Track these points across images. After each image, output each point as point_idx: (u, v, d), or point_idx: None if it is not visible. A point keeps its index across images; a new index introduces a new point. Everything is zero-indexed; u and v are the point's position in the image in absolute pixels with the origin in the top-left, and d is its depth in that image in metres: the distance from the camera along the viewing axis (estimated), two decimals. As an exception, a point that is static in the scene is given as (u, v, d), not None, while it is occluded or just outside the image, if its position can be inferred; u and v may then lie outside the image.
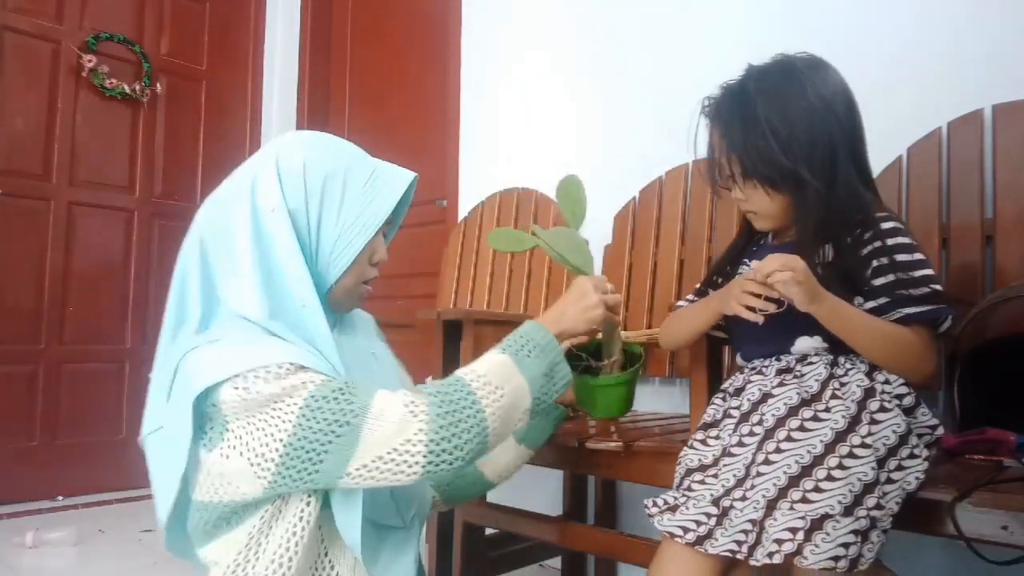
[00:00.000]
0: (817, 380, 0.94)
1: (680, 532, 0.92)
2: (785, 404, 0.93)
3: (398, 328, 2.39)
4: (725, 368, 1.27)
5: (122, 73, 2.96)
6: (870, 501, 0.82)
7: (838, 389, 0.93)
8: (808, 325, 0.95)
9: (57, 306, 2.79)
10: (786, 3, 1.74)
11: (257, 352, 0.84)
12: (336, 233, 0.95)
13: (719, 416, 1.03)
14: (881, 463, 0.85)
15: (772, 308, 0.93)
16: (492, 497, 1.58)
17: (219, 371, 0.82)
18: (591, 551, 1.66)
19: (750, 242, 1.15)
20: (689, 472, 0.99)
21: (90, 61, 2.84)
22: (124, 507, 2.68)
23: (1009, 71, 1.38)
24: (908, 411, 0.93)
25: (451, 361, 1.54)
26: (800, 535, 0.80)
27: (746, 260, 1.13)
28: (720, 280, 1.15)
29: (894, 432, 0.88)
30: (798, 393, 0.94)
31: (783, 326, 0.96)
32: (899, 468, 0.87)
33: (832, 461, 0.83)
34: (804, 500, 0.82)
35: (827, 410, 0.90)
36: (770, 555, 0.81)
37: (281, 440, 0.82)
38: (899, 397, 0.94)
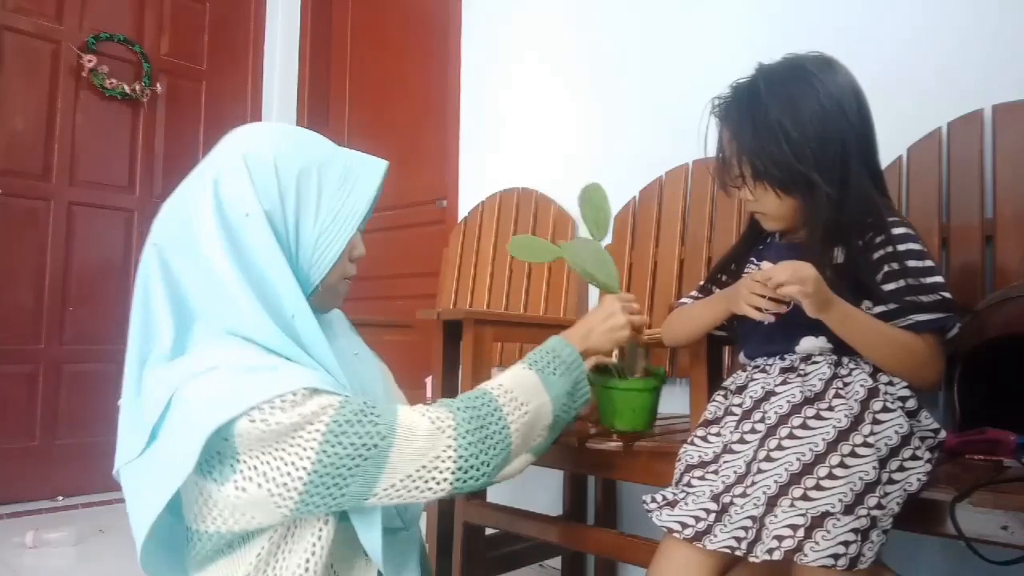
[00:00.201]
0: (821, 379, 0.94)
1: (679, 527, 0.92)
2: (788, 402, 0.93)
3: (398, 328, 2.40)
4: (725, 367, 1.27)
5: (122, 73, 2.96)
6: (871, 500, 0.82)
7: (841, 388, 0.92)
8: (813, 325, 0.95)
9: (57, 306, 2.80)
10: (786, 3, 1.74)
11: (269, 381, 0.79)
12: (316, 232, 0.89)
13: (720, 413, 1.03)
14: (883, 463, 0.85)
15: (780, 309, 0.93)
16: (492, 497, 1.59)
17: (233, 406, 0.76)
18: (591, 551, 1.66)
19: (757, 240, 1.14)
20: (689, 468, 0.98)
21: (90, 61, 2.84)
22: (124, 507, 2.68)
23: (1009, 71, 1.38)
24: (911, 414, 0.93)
25: (451, 361, 1.54)
26: (801, 532, 0.80)
27: (753, 259, 1.13)
28: (725, 278, 1.15)
29: (896, 432, 0.87)
30: (801, 391, 0.93)
31: (788, 325, 0.96)
32: (901, 469, 0.87)
33: (834, 459, 0.83)
34: (805, 497, 0.82)
35: (830, 409, 0.90)
36: (770, 552, 0.81)
37: (304, 469, 0.78)
38: (902, 399, 0.93)
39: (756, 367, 1.05)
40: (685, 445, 1.03)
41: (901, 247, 0.96)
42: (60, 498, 2.73)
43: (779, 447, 0.88)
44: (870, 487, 0.82)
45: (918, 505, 0.87)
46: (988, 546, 0.83)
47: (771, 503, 0.84)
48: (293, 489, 0.79)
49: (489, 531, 1.56)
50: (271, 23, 3.46)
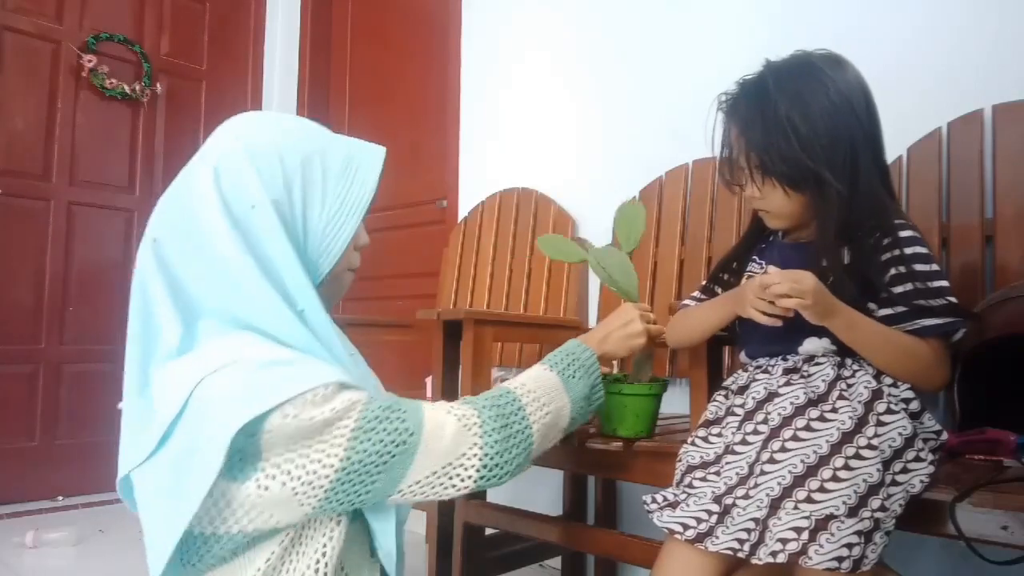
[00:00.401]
0: (824, 381, 0.94)
1: (680, 529, 0.92)
2: (792, 404, 0.93)
3: (398, 328, 2.40)
4: (725, 367, 1.27)
5: (122, 73, 2.95)
6: (874, 503, 0.82)
7: (845, 390, 0.92)
8: (816, 326, 0.94)
9: (57, 306, 2.79)
10: (786, 3, 1.74)
11: (297, 375, 0.77)
12: (325, 219, 0.86)
13: (721, 413, 1.03)
14: (886, 465, 0.85)
15: (786, 314, 0.92)
16: (492, 497, 1.59)
17: (263, 400, 0.73)
18: (591, 551, 1.66)
19: (759, 238, 1.13)
20: (690, 469, 0.98)
21: (90, 61, 2.84)
22: (124, 507, 2.67)
23: (1009, 71, 1.38)
24: (915, 415, 0.93)
25: (451, 361, 1.54)
26: (805, 535, 0.80)
27: (755, 257, 1.12)
28: (727, 277, 1.14)
29: (900, 434, 0.87)
30: (805, 393, 0.93)
31: (791, 326, 0.95)
32: (904, 470, 0.87)
33: (838, 462, 0.83)
34: (809, 500, 0.82)
35: (834, 411, 0.89)
36: (773, 554, 0.81)
37: (332, 467, 0.77)
38: (906, 401, 0.93)
39: (758, 367, 1.04)
40: (686, 445, 1.03)
41: (908, 250, 0.96)
42: (60, 498, 2.73)
43: (783, 449, 0.88)
44: (874, 489, 0.82)
45: (919, 505, 0.87)
46: (988, 546, 0.84)
47: (774, 505, 0.84)
48: (319, 487, 0.77)
49: (489, 531, 1.56)
50: (271, 23, 3.45)
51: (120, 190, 2.99)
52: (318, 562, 0.81)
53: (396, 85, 2.98)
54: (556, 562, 1.96)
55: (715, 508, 0.91)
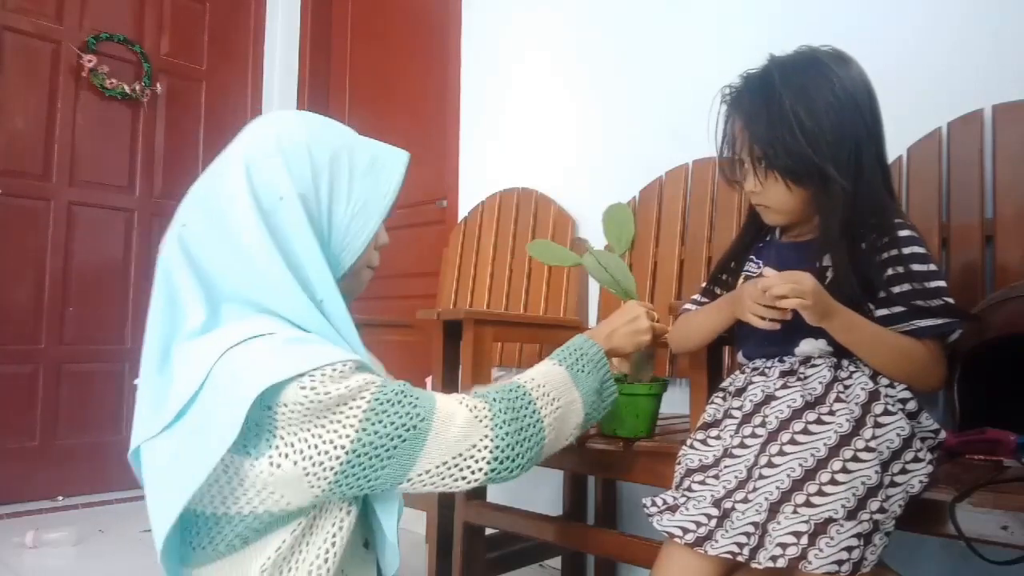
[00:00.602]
0: (821, 383, 0.94)
1: (679, 532, 0.91)
2: (789, 406, 0.93)
3: (398, 328, 2.40)
4: (725, 367, 1.27)
5: (122, 73, 2.95)
6: (873, 505, 0.82)
7: (842, 392, 0.92)
8: (813, 328, 0.94)
9: (57, 306, 2.79)
10: (786, 4, 1.74)
11: (316, 351, 0.78)
12: (349, 215, 0.88)
13: (719, 416, 1.02)
14: (885, 466, 0.85)
15: (784, 317, 0.92)
16: (492, 497, 1.58)
17: (282, 370, 0.74)
18: (591, 551, 1.66)
19: (756, 237, 1.13)
20: (689, 472, 0.98)
21: (90, 61, 2.84)
22: (124, 507, 2.68)
23: (1009, 71, 1.38)
24: (912, 415, 0.93)
25: (451, 361, 1.54)
26: (804, 539, 0.80)
27: (752, 257, 1.12)
28: (726, 277, 1.14)
29: (898, 435, 0.87)
30: (802, 395, 0.93)
31: (787, 327, 0.95)
32: (903, 471, 0.87)
33: (836, 465, 0.83)
34: (808, 504, 0.82)
35: (831, 413, 0.89)
36: (773, 559, 0.81)
37: (343, 448, 0.77)
38: (903, 401, 0.93)
39: (755, 369, 1.04)
40: (684, 448, 1.02)
41: (906, 250, 0.95)
42: (60, 498, 2.73)
43: (781, 452, 0.88)
44: (872, 491, 0.82)
45: (919, 505, 0.87)
46: (988, 546, 0.84)
47: (773, 509, 0.84)
48: (330, 468, 0.77)
49: (489, 531, 1.56)
50: (271, 23, 3.45)
51: (120, 190, 2.99)
52: (327, 552, 0.82)
53: (396, 85, 2.98)
54: (556, 562, 1.96)
55: (714, 512, 0.91)
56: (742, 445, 0.94)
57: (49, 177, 2.80)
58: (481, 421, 0.84)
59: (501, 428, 0.85)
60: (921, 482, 0.87)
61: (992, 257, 1.30)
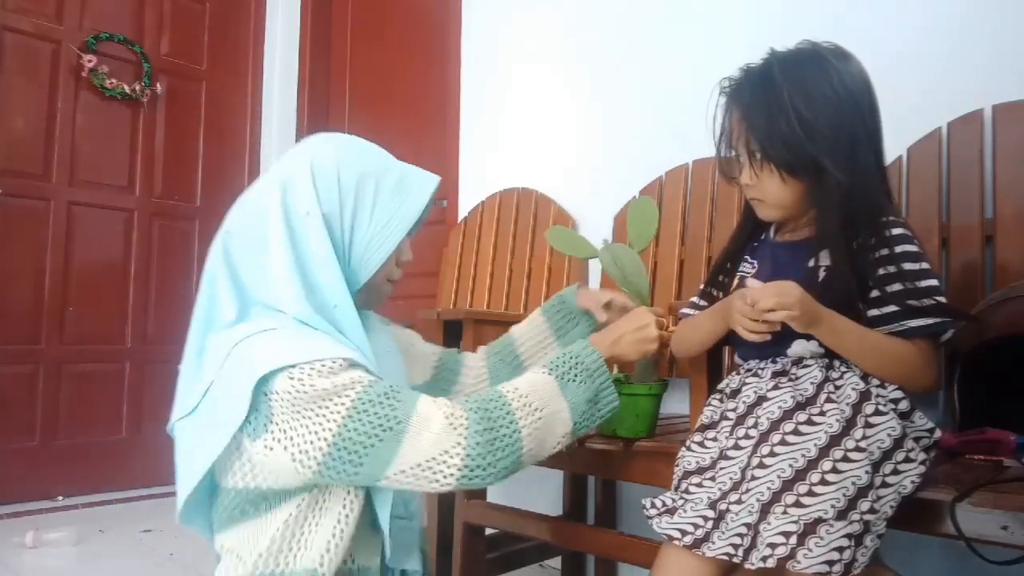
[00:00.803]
0: (812, 383, 0.94)
1: (678, 535, 0.92)
2: (779, 407, 0.93)
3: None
4: (725, 368, 1.27)
5: (122, 73, 2.95)
6: (864, 505, 0.82)
7: (833, 392, 0.92)
8: None
9: (57, 306, 2.79)
10: (786, 4, 1.74)
11: (313, 345, 0.87)
12: (369, 235, 0.97)
13: (716, 418, 1.03)
14: (876, 467, 0.85)
15: (773, 329, 0.93)
16: (492, 497, 1.59)
17: (275, 359, 0.84)
18: (591, 551, 1.67)
19: (751, 237, 1.13)
20: (687, 475, 0.98)
21: (90, 61, 2.84)
22: (124, 507, 2.68)
23: (1009, 71, 1.38)
24: (904, 415, 0.93)
25: (451, 361, 1.54)
26: (793, 539, 0.80)
27: (747, 257, 1.12)
28: (723, 278, 1.14)
29: (889, 436, 0.87)
30: (793, 396, 0.93)
31: (780, 328, 0.96)
32: (895, 472, 0.86)
33: (826, 465, 0.83)
34: (798, 504, 0.82)
35: (822, 414, 0.89)
36: (764, 559, 0.81)
37: (326, 440, 0.84)
38: (894, 402, 0.93)
39: (748, 370, 1.04)
40: (683, 450, 1.03)
41: (898, 249, 0.95)
42: (60, 498, 2.73)
43: (771, 453, 0.88)
44: (863, 492, 0.82)
45: (918, 505, 0.87)
46: (988, 546, 0.84)
47: (765, 510, 0.84)
48: (313, 458, 0.84)
49: (489, 531, 1.56)
50: (271, 23, 3.45)
51: (120, 190, 2.99)
52: (341, 531, 0.90)
53: (396, 85, 2.98)
54: (556, 562, 1.96)
55: (711, 514, 0.91)
56: (736, 447, 0.94)
57: (49, 177, 2.80)
58: (456, 429, 0.87)
59: (473, 437, 0.87)
60: (913, 482, 0.86)
61: (992, 257, 1.30)
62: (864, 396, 0.90)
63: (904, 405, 0.93)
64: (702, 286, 1.18)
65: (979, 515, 0.83)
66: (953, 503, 0.84)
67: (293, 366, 0.84)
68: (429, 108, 2.78)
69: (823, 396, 0.92)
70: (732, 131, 1.02)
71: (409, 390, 0.90)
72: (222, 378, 0.87)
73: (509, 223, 2.23)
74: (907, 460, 0.88)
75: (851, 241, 0.96)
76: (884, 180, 1.03)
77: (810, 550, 0.79)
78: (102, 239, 2.93)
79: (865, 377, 0.93)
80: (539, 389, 0.95)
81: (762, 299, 0.89)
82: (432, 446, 0.85)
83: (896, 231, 0.96)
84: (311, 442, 0.84)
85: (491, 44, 2.50)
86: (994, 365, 1.05)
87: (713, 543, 0.88)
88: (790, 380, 0.97)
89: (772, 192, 1.00)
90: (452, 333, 1.53)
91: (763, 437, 0.91)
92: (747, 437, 0.93)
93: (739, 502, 0.88)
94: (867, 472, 0.83)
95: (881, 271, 0.95)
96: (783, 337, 0.97)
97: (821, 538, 0.79)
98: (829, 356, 0.96)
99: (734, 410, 0.99)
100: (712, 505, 0.91)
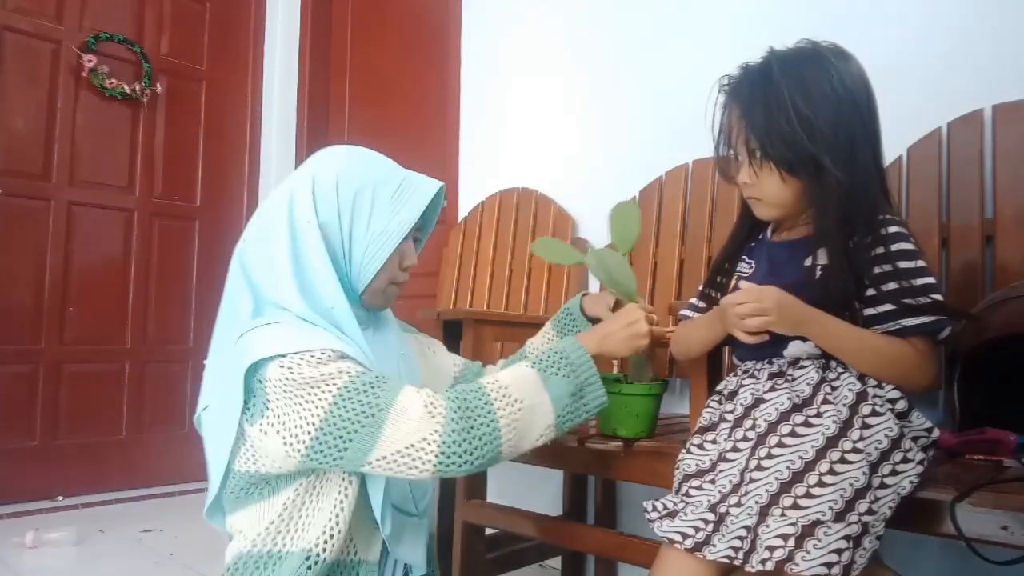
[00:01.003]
0: (809, 384, 0.94)
1: (679, 538, 0.92)
2: (777, 409, 0.93)
3: (398, 328, 2.40)
4: (724, 369, 1.27)
5: (122, 73, 2.95)
6: (862, 506, 0.82)
7: (829, 394, 0.92)
8: None
9: (57, 306, 2.79)
10: (785, 4, 1.74)
11: (306, 336, 0.93)
12: (366, 242, 1.02)
13: (715, 420, 1.03)
14: (874, 468, 0.85)
15: (763, 337, 0.93)
16: (492, 497, 1.59)
17: (268, 348, 0.90)
18: (591, 551, 1.66)
19: (749, 237, 1.13)
20: (687, 477, 0.98)
21: (90, 61, 2.84)
22: (124, 507, 2.68)
23: (1009, 71, 1.38)
24: (902, 415, 0.92)
25: (451, 361, 1.54)
26: (791, 541, 0.80)
27: (745, 257, 1.12)
28: (721, 279, 1.14)
29: (886, 436, 0.87)
30: (789, 398, 0.93)
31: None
32: (893, 473, 0.86)
33: (824, 467, 0.83)
34: (795, 506, 0.82)
35: (819, 415, 0.89)
36: (763, 562, 0.81)
37: (313, 424, 0.89)
38: (892, 402, 0.92)
39: (746, 372, 1.04)
40: (682, 453, 1.03)
41: (893, 247, 0.94)
42: (60, 498, 2.73)
43: (769, 456, 0.88)
44: (861, 493, 0.82)
45: (918, 505, 0.87)
46: (988, 546, 0.83)
47: (763, 512, 0.84)
48: (302, 442, 0.89)
49: (489, 531, 1.56)
50: (271, 23, 3.45)
51: (120, 190, 2.98)
52: (338, 516, 0.96)
53: (396, 85, 2.98)
54: (556, 562, 1.96)
55: (711, 516, 0.91)
56: (735, 449, 0.94)
57: (49, 177, 2.79)
58: (434, 417, 0.90)
59: (450, 425, 0.90)
60: (912, 483, 0.86)
61: (992, 257, 1.30)
62: (861, 397, 0.90)
63: (902, 405, 0.93)
64: (701, 287, 1.18)
65: (979, 515, 0.83)
66: (953, 503, 0.84)
67: (284, 355, 0.90)
68: (429, 108, 2.78)
69: (820, 397, 0.92)
70: (731, 129, 1.02)
71: (396, 381, 0.94)
72: (228, 368, 0.93)
73: (509, 223, 2.23)
74: (905, 460, 0.87)
75: (848, 240, 0.96)
76: (882, 179, 1.03)
77: (808, 552, 0.79)
78: (102, 239, 2.93)
79: (862, 378, 0.93)
80: (520, 381, 0.97)
81: (739, 308, 0.90)
82: (410, 434, 0.89)
83: (892, 229, 0.96)
84: (300, 427, 0.89)
85: (491, 44, 2.50)
86: (994, 365, 1.05)
87: (714, 546, 0.88)
88: (787, 381, 0.97)
89: (771, 191, 1.00)
90: (452, 333, 1.53)
91: (760, 439, 0.91)
92: (745, 439, 0.93)
93: (738, 505, 0.88)
94: (865, 473, 0.83)
95: (877, 269, 0.94)
96: (780, 338, 0.97)
97: (819, 540, 0.79)
98: (826, 357, 0.96)
99: (732, 412, 0.99)
100: (712, 508, 0.91)
